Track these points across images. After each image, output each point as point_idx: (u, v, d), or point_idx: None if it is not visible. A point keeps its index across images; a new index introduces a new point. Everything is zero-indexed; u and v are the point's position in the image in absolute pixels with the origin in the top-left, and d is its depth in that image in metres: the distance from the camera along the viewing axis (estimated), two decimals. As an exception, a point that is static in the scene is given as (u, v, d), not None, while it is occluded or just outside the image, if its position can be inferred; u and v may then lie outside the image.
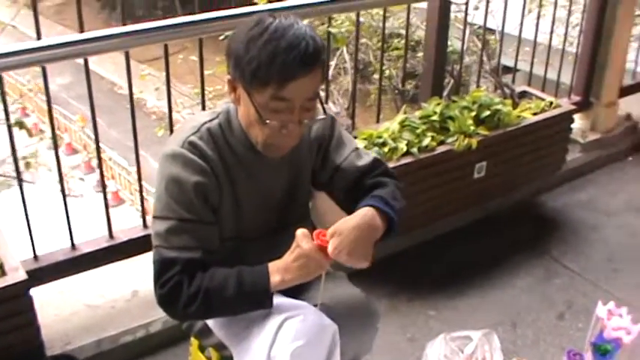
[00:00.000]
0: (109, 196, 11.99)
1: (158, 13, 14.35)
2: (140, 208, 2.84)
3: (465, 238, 3.43)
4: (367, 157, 1.94)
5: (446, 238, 3.40)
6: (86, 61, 2.48)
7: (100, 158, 2.80)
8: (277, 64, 1.59)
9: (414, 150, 2.95)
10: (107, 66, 14.50)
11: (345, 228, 1.69)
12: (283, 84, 1.61)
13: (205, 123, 1.77)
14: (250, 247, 1.87)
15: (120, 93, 14.17)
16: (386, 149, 2.91)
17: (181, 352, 2.57)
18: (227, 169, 1.78)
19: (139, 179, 2.87)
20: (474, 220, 3.51)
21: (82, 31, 2.34)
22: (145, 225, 2.76)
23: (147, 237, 2.64)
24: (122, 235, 2.72)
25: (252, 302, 1.73)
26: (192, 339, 2.46)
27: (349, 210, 1.80)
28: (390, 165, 2.84)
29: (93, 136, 2.60)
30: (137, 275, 2.85)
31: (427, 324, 2.85)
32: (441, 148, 3.03)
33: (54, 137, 2.60)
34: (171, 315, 1.87)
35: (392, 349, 2.67)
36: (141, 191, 2.80)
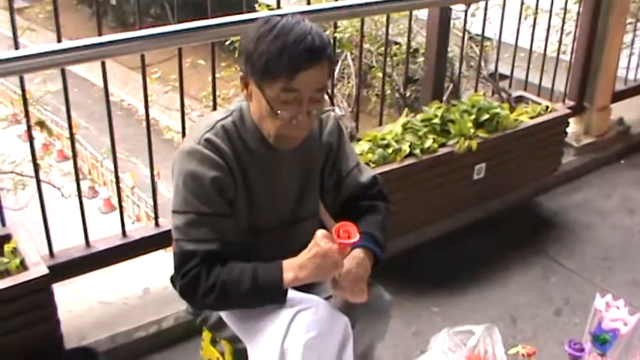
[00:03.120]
0: (100, 204, 12.04)
1: (149, 20, 14.34)
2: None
3: (466, 238, 3.51)
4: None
5: (447, 237, 3.48)
6: (104, 71, 2.61)
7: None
8: (286, 56, 1.68)
9: (417, 151, 3.03)
10: (97, 72, 14.45)
11: (345, 276, 1.81)
12: (292, 76, 1.69)
13: (220, 120, 1.86)
14: (264, 239, 1.94)
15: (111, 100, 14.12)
16: (390, 150, 2.99)
17: (193, 347, 2.62)
18: (241, 163, 1.85)
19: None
20: (473, 220, 3.59)
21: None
22: (157, 224, 2.82)
23: (159, 235, 2.75)
24: (135, 233, 2.79)
25: (266, 297, 1.81)
26: (205, 334, 2.53)
27: (336, 216, 1.97)
28: (394, 166, 2.95)
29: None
30: (148, 273, 2.91)
31: (430, 319, 2.93)
32: (443, 150, 3.12)
33: (72, 139, 2.68)
34: (191, 304, 1.97)
35: (398, 344, 2.75)
36: (154, 193, 2.85)
